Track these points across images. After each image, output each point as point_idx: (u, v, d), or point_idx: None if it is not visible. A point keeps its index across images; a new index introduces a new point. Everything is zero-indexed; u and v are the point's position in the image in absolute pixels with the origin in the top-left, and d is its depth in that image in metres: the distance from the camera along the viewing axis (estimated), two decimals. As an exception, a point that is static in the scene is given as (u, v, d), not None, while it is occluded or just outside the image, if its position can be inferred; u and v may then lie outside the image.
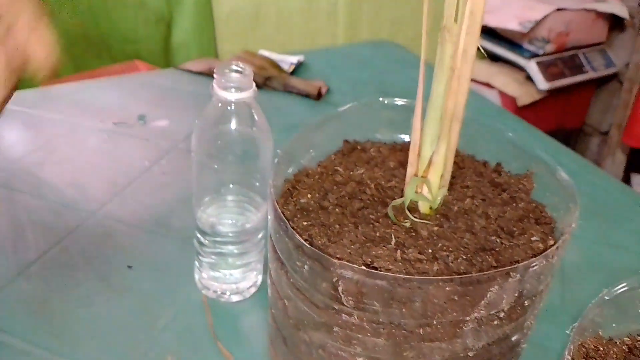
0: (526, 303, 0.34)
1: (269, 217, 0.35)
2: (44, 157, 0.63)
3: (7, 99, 0.33)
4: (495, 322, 0.33)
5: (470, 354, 0.34)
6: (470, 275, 0.31)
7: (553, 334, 0.44)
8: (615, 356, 0.33)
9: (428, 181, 0.37)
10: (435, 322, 0.32)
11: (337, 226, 0.35)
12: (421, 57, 0.33)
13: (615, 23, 1.50)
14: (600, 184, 0.69)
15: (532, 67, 1.38)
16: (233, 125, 0.42)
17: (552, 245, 0.35)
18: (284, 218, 0.33)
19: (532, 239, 0.36)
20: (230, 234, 0.44)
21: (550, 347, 0.46)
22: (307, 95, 0.80)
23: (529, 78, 1.40)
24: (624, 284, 0.31)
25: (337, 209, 0.37)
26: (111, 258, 0.51)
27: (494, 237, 0.35)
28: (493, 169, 0.42)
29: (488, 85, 1.43)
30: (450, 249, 0.34)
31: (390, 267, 0.32)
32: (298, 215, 0.36)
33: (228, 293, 0.47)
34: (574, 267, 0.54)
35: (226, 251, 0.45)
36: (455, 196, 0.38)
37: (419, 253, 0.33)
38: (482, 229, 0.36)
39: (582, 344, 0.32)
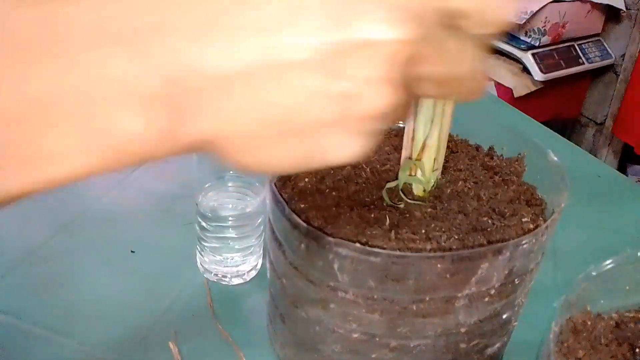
0: (516, 281, 0.35)
1: (268, 200, 0.37)
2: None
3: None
4: (486, 299, 0.34)
5: (462, 329, 0.35)
6: (461, 251, 0.32)
7: (544, 313, 0.45)
8: (603, 330, 0.34)
9: (421, 164, 0.38)
10: (428, 299, 0.33)
11: (334, 208, 0.36)
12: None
13: (611, 14, 1.50)
14: (593, 170, 0.70)
15: (528, 58, 1.38)
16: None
17: (542, 224, 0.36)
18: (281, 199, 0.34)
19: (523, 219, 0.37)
20: (231, 218, 0.46)
21: (542, 325, 0.47)
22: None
23: (525, 69, 1.41)
24: (610, 261, 0.32)
25: (333, 192, 0.38)
26: (115, 243, 0.52)
27: (485, 218, 0.36)
28: (485, 153, 0.43)
29: (485, 76, 1.44)
30: (443, 229, 0.35)
31: (385, 246, 0.33)
32: (295, 198, 0.37)
33: (229, 276, 0.48)
34: (567, 249, 0.55)
35: (227, 235, 0.46)
36: (448, 179, 0.40)
37: (413, 233, 0.34)
38: (474, 211, 0.37)
39: (570, 318, 0.33)
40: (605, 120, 1.59)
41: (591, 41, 1.50)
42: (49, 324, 0.44)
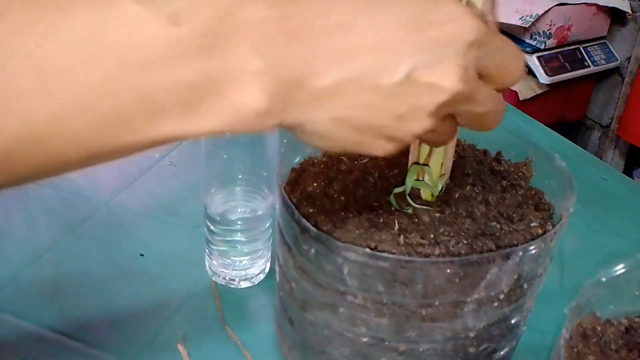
0: (525, 285, 0.35)
1: (277, 204, 0.37)
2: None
3: None
4: (495, 304, 0.34)
5: (471, 334, 0.35)
6: (470, 257, 0.32)
7: (552, 318, 0.46)
8: (612, 336, 0.34)
9: (428, 168, 0.38)
10: (436, 303, 0.33)
11: (342, 213, 0.36)
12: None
13: (616, 17, 1.50)
14: (598, 173, 0.70)
15: (533, 61, 1.38)
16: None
17: (551, 229, 0.36)
18: (291, 204, 0.34)
19: (531, 224, 0.37)
20: (239, 222, 0.46)
21: (549, 330, 0.47)
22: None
23: (530, 72, 1.41)
24: (621, 266, 0.32)
25: (341, 197, 0.38)
26: (123, 246, 0.52)
27: (493, 223, 0.36)
28: (493, 158, 0.43)
29: (490, 79, 1.44)
30: (451, 233, 0.35)
31: (394, 251, 0.33)
32: (304, 203, 0.37)
33: (237, 280, 0.48)
34: (573, 253, 0.55)
35: (235, 239, 0.46)
36: (456, 184, 0.40)
37: (421, 238, 0.34)
38: (482, 215, 0.37)
39: (580, 323, 0.33)
40: (610, 122, 1.59)
41: (596, 44, 1.50)
42: (57, 327, 0.44)
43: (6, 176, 0.20)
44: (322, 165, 0.42)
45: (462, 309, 0.33)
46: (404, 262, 0.31)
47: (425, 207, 0.37)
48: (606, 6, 1.43)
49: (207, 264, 0.49)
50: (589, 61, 1.46)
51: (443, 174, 0.39)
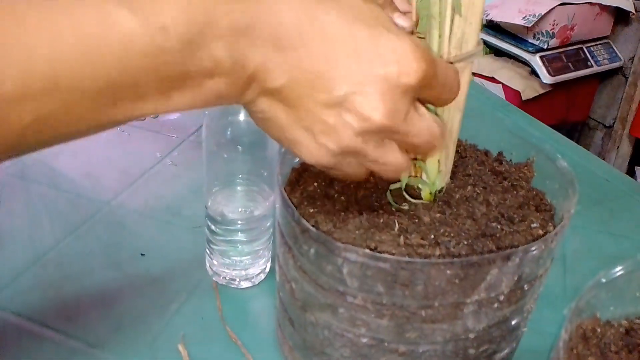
0: (525, 287, 0.35)
1: (277, 204, 0.37)
2: (59, 148, 0.64)
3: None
4: (495, 305, 0.34)
5: (471, 335, 0.35)
6: (470, 258, 0.32)
7: (553, 319, 0.45)
8: (612, 337, 0.34)
9: (425, 165, 0.38)
10: (436, 304, 0.33)
11: (342, 213, 0.36)
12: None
13: (620, 17, 1.50)
14: (601, 174, 0.70)
15: (536, 61, 1.38)
16: (242, 116, 0.43)
17: (552, 230, 0.36)
18: (291, 204, 0.34)
19: (532, 225, 0.37)
20: (240, 222, 0.46)
21: (550, 331, 0.47)
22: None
23: (533, 72, 1.41)
24: (620, 268, 0.32)
25: (342, 197, 0.38)
26: (124, 246, 0.52)
27: (494, 224, 0.36)
28: (494, 158, 0.43)
29: (493, 79, 1.44)
30: (451, 234, 0.35)
31: (394, 251, 0.33)
32: (304, 203, 0.37)
33: (238, 279, 0.48)
34: (576, 254, 0.55)
35: (236, 238, 0.46)
36: (457, 184, 0.40)
37: (422, 238, 0.34)
38: (483, 216, 0.37)
39: (580, 325, 0.33)
40: (614, 123, 1.58)
41: (600, 44, 1.50)
42: (59, 326, 0.44)
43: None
44: (323, 166, 0.42)
45: (462, 310, 0.33)
46: (404, 263, 0.31)
47: (422, 201, 0.37)
48: (610, 6, 1.42)
49: (207, 263, 0.49)
50: (592, 61, 1.46)
51: (440, 171, 0.39)
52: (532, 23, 1.33)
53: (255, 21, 0.25)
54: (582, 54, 1.45)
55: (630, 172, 1.56)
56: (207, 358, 0.43)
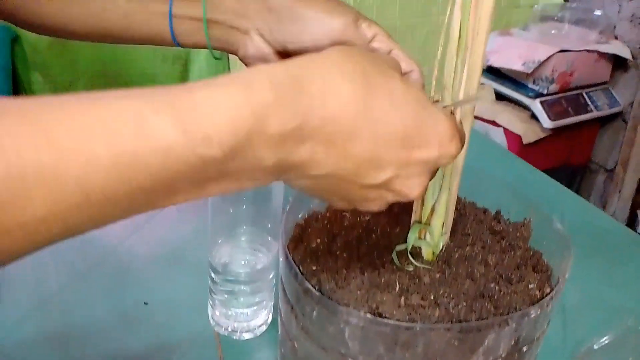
0: (524, 349, 0.36)
1: (280, 260, 0.38)
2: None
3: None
4: (494, 367, 0.35)
5: (470, 397, 0.35)
6: (468, 322, 0.33)
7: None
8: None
9: (430, 227, 0.39)
10: (436, 366, 0.33)
11: (344, 271, 0.37)
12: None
13: (618, 63, 1.53)
14: (601, 224, 0.70)
15: (536, 106, 1.40)
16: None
17: (549, 292, 0.36)
18: (294, 264, 0.35)
19: (529, 286, 0.37)
20: (242, 274, 0.47)
21: (550, 389, 0.47)
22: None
23: (533, 116, 1.43)
24: (611, 333, 0.33)
25: (344, 254, 0.39)
26: (128, 293, 0.53)
27: (492, 284, 0.37)
28: (493, 217, 0.44)
29: (494, 123, 1.46)
30: (451, 295, 0.36)
31: (394, 312, 0.34)
32: (307, 260, 0.38)
33: (239, 331, 0.49)
34: (576, 307, 0.55)
35: (238, 290, 0.47)
36: (456, 243, 0.41)
37: (422, 299, 0.35)
38: (482, 276, 0.38)
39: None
40: (615, 166, 1.59)
41: (599, 89, 1.52)
42: (61, 376, 0.45)
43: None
44: (326, 221, 0.43)
45: (461, 373, 0.34)
46: (404, 327, 0.32)
47: (426, 266, 0.38)
48: (608, 53, 1.45)
49: (209, 313, 0.50)
50: (592, 106, 1.48)
51: (444, 233, 0.40)
52: (532, 69, 1.36)
53: (307, 119, 0.25)
54: (582, 99, 1.47)
55: (633, 216, 1.56)
56: (207, 411, 0.43)
